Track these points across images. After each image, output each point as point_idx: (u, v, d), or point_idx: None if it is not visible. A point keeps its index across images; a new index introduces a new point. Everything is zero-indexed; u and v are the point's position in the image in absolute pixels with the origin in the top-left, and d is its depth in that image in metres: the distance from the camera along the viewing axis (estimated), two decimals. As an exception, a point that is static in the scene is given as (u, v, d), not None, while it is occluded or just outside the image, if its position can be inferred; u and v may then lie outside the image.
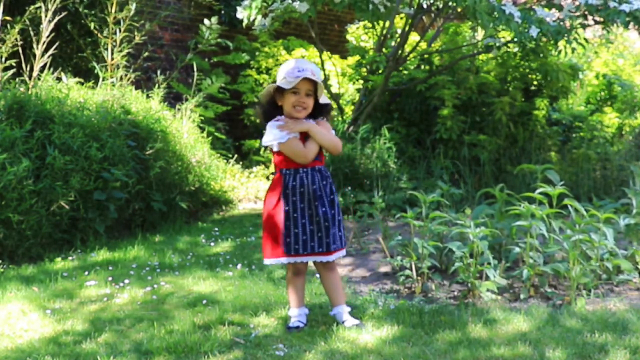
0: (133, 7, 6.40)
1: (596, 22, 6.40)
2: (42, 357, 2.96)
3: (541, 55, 7.18)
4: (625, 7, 5.55)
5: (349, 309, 3.40)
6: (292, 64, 3.27)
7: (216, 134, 7.47)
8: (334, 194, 3.33)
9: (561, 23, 5.90)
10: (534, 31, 5.51)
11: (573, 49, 6.01)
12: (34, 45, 5.57)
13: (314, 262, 3.37)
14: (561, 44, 6.04)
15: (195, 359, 2.95)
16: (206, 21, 7.67)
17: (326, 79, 7.62)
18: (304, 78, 3.22)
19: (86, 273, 4.40)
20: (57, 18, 5.63)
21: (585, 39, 6.28)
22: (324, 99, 3.33)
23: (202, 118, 7.14)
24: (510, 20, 5.43)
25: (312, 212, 3.27)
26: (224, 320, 3.39)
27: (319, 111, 3.36)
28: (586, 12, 5.99)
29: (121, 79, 6.25)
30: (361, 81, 7.58)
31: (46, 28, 5.51)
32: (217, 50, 8.11)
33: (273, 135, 3.28)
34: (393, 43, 7.50)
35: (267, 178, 7.03)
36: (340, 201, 3.73)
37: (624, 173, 6.72)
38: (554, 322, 3.33)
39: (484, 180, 6.84)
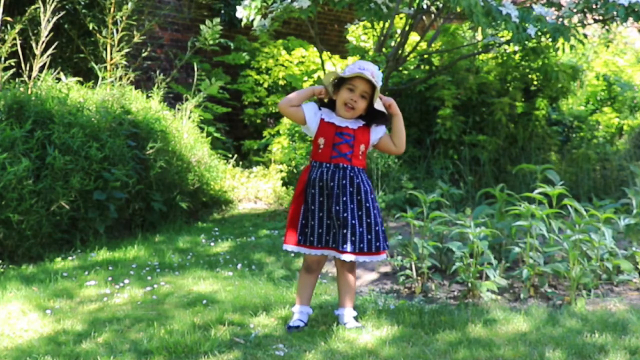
0: (130, 6, 6.39)
1: (595, 21, 6.40)
2: (42, 357, 2.96)
3: (541, 55, 7.18)
4: (623, 0, 5.55)
5: (354, 313, 3.38)
6: (358, 62, 3.29)
7: (215, 134, 7.46)
8: (362, 195, 3.25)
9: (560, 22, 5.89)
10: (532, 30, 5.51)
11: (572, 47, 6.01)
12: (34, 46, 5.56)
13: (335, 260, 3.37)
14: (560, 41, 6.03)
15: (194, 359, 2.95)
16: (207, 22, 7.67)
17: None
18: (364, 79, 3.21)
19: (86, 273, 4.39)
20: (55, 18, 5.62)
21: (585, 35, 6.28)
22: (379, 105, 3.30)
23: (202, 118, 7.14)
24: (507, 20, 5.42)
25: (329, 207, 3.27)
26: (223, 320, 3.39)
27: (372, 118, 3.33)
28: (585, 10, 5.98)
29: (120, 78, 6.25)
30: (361, 81, 7.56)
31: (45, 28, 5.50)
32: (217, 50, 8.11)
33: (307, 109, 3.36)
34: (393, 43, 7.50)
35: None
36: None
37: (624, 173, 6.72)
38: (554, 322, 3.33)
39: (484, 180, 6.84)
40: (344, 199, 3.25)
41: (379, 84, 3.24)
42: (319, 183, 3.28)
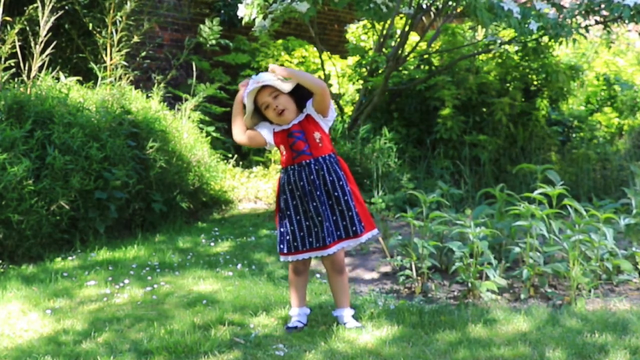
0: (128, 6, 6.39)
1: (597, 22, 6.39)
2: (42, 357, 2.96)
3: (541, 55, 7.18)
4: (629, 1, 5.55)
5: (352, 311, 3.40)
6: (244, 93, 3.33)
7: (213, 134, 7.45)
8: (328, 185, 3.26)
9: (562, 21, 5.89)
10: (533, 25, 5.50)
11: (574, 40, 5.99)
12: (33, 46, 5.56)
13: (323, 261, 3.38)
14: (561, 37, 6.02)
15: (194, 359, 2.95)
16: (207, 22, 7.68)
17: (326, 78, 7.62)
18: (259, 91, 3.28)
19: (86, 273, 4.39)
20: (53, 17, 5.62)
21: (586, 28, 6.26)
22: (287, 86, 3.30)
23: (201, 119, 7.13)
24: (509, 16, 5.43)
25: (305, 208, 3.29)
26: (223, 320, 3.39)
27: (300, 96, 3.34)
28: (588, 10, 5.98)
29: (120, 78, 6.25)
30: (361, 81, 7.58)
31: (43, 27, 5.50)
32: (217, 50, 8.12)
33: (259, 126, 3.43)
34: (393, 43, 7.50)
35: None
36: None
37: (624, 173, 6.72)
38: (554, 322, 3.33)
39: (484, 180, 6.83)
40: (318, 193, 3.26)
41: (265, 79, 3.27)
42: (288, 187, 3.31)
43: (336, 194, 3.27)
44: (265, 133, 3.39)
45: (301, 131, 3.32)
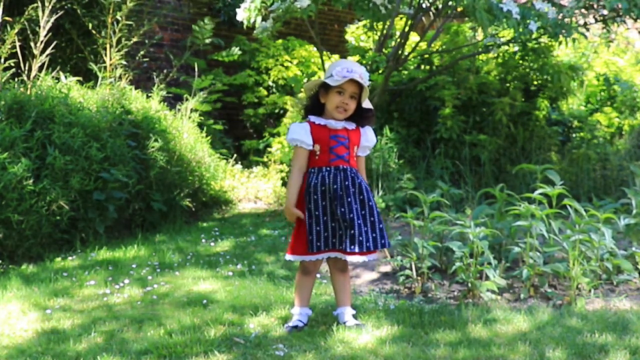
0: (126, 6, 6.39)
1: (597, 20, 6.39)
2: (42, 357, 2.96)
3: (542, 55, 7.18)
4: None
5: (353, 311, 3.40)
6: (343, 64, 3.28)
7: (214, 126, 7.43)
8: (364, 194, 3.26)
9: (561, 20, 5.89)
10: (533, 26, 5.50)
11: (574, 40, 5.99)
12: (33, 46, 5.56)
13: (327, 260, 3.37)
14: (561, 37, 6.02)
15: (194, 358, 2.94)
16: (199, 21, 7.71)
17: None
18: (351, 80, 3.22)
19: (86, 273, 4.39)
20: (53, 17, 5.62)
21: (586, 26, 6.25)
22: (367, 103, 3.32)
23: (201, 112, 7.13)
24: (508, 17, 5.42)
25: (332, 210, 3.26)
26: (223, 320, 3.39)
27: (360, 116, 3.34)
28: (587, 6, 5.98)
29: (120, 78, 6.25)
30: (361, 81, 7.57)
31: (44, 27, 5.50)
32: (213, 50, 8.14)
33: (292, 134, 3.32)
34: (393, 43, 7.50)
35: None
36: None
37: (624, 173, 6.72)
38: (554, 322, 3.33)
39: (484, 180, 6.83)
40: (348, 199, 3.24)
41: (367, 83, 3.25)
42: (321, 187, 3.26)
43: (370, 203, 3.27)
44: (306, 139, 3.28)
45: (347, 138, 3.30)
